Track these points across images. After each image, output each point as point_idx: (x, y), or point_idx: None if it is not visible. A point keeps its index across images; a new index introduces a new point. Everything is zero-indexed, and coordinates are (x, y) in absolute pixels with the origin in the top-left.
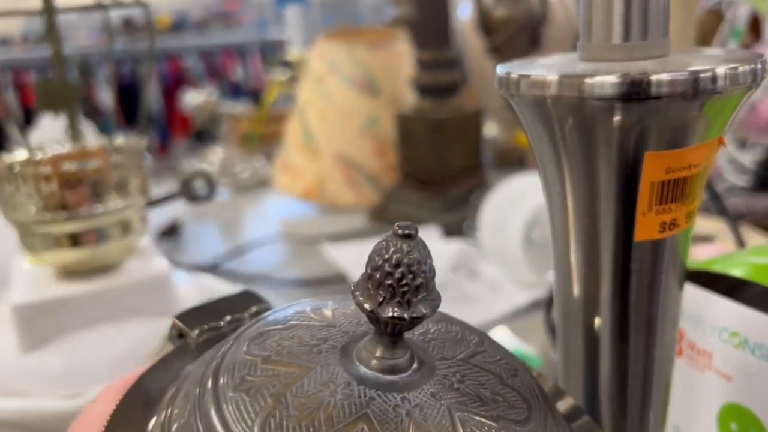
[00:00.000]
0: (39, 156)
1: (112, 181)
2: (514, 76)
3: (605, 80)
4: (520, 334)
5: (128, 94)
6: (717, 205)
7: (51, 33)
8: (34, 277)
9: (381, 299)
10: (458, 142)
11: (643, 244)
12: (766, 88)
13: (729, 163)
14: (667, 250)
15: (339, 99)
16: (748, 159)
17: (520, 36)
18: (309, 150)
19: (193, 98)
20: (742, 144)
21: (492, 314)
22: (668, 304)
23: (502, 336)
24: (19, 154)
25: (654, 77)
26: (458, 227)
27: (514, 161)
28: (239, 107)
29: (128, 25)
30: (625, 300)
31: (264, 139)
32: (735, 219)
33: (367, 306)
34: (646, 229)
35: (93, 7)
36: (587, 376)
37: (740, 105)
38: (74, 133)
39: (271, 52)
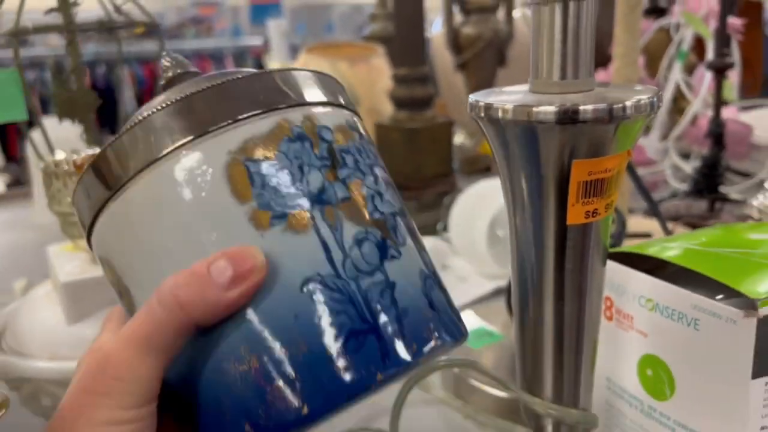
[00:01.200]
0: (74, 157)
1: None
2: (481, 103)
3: (547, 109)
4: (485, 316)
5: (103, 97)
6: (651, 207)
7: (72, 47)
8: (74, 261)
9: None
10: (431, 150)
11: (574, 227)
12: (706, 104)
13: (672, 170)
14: (592, 232)
15: None
16: (689, 167)
17: (487, 53)
18: None
19: None
20: (686, 155)
21: (461, 301)
22: (594, 273)
23: (469, 318)
24: (59, 154)
25: (581, 107)
26: (431, 227)
27: (480, 168)
28: None
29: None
30: (561, 269)
31: None
32: (664, 218)
33: None
34: (575, 215)
35: (106, 26)
36: (536, 327)
37: (643, 126)
38: (89, 138)
39: (245, 59)
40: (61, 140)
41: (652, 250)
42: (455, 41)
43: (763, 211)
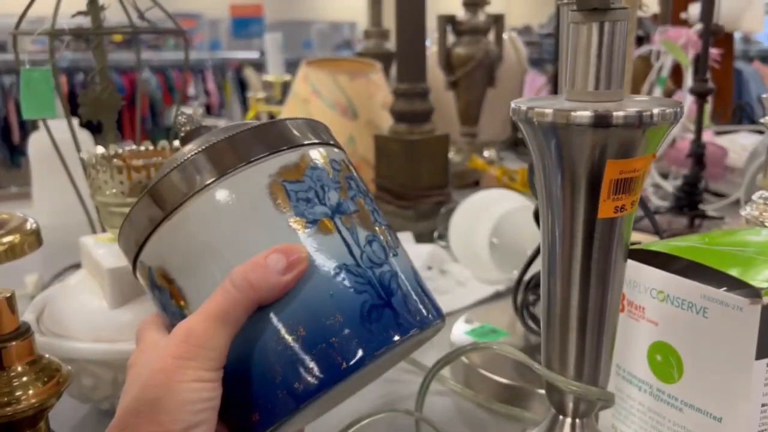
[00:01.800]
0: (113, 152)
1: None
2: (524, 107)
3: (583, 114)
4: (488, 316)
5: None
6: (647, 215)
7: (98, 51)
8: (112, 249)
9: None
10: (429, 161)
11: (603, 221)
12: (684, 128)
13: (654, 188)
14: (618, 226)
15: (322, 119)
16: (670, 185)
17: (477, 72)
18: None
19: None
20: (665, 175)
21: (463, 303)
22: (617, 264)
23: (479, 316)
24: (100, 149)
25: (614, 113)
26: (428, 234)
27: (469, 183)
28: (222, 121)
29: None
30: (589, 258)
31: None
32: (647, 231)
33: None
34: (605, 210)
35: (131, 31)
36: (563, 310)
37: (667, 133)
38: (111, 137)
39: (224, 72)
40: (65, 142)
41: (660, 247)
42: (447, 60)
43: (750, 221)
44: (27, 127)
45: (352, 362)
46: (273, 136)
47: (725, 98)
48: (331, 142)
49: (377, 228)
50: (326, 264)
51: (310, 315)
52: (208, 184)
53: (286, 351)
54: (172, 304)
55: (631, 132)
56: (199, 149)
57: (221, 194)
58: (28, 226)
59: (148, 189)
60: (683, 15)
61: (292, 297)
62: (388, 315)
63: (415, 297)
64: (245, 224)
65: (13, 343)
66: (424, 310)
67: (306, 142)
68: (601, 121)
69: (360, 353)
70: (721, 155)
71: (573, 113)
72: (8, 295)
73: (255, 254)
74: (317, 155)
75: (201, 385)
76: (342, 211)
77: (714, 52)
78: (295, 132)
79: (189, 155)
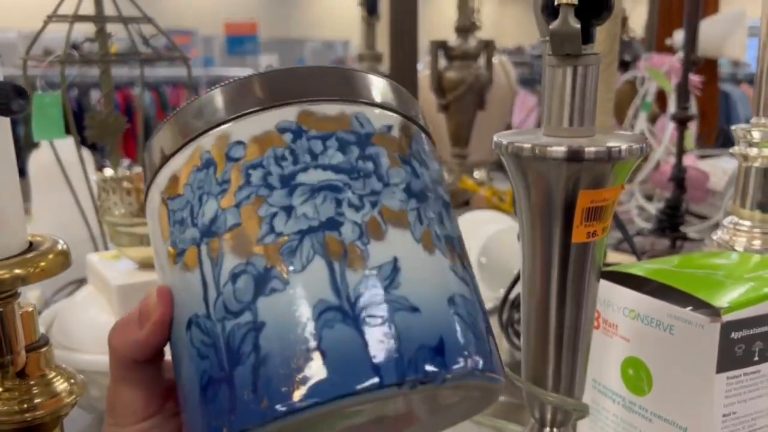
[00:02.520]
0: (121, 174)
1: None
2: (505, 142)
3: (558, 149)
4: None
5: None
6: (626, 237)
7: (105, 76)
8: (118, 267)
9: None
10: None
11: (577, 245)
12: (668, 152)
13: (637, 210)
14: (590, 250)
15: None
16: (654, 207)
17: (468, 96)
18: None
19: None
20: (649, 197)
21: None
22: (590, 285)
23: None
24: (108, 171)
25: (586, 149)
26: None
27: (460, 202)
28: None
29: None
30: (565, 279)
31: None
32: (638, 252)
33: None
34: (578, 235)
35: (137, 59)
36: (541, 327)
37: (634, 166)
38: (115, 158)
39: None
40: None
41: (634, 270)
42: (439, 84)
43: (720, 245)
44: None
45: None
46: (177, 129)
47: (710, 122)
48: (279, 101)
49: (267, 244)
50: (183, 313)
51: (178, 378)
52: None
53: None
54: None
55: (602, 165)
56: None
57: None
58: (59, 247)
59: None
60: (668, 41)
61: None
62: (224, 395)
63: (280, 364)
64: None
65: (33, 353)
66: (288, 386)
67: (201, 130)
68: (575, 156)
69: None
70: (702, 179)
71: (549, 148)
72: (30, 309)
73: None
74: (210, 144)
75: None
76: (212, 232)
77: (696, 79)
78: (203, 112)
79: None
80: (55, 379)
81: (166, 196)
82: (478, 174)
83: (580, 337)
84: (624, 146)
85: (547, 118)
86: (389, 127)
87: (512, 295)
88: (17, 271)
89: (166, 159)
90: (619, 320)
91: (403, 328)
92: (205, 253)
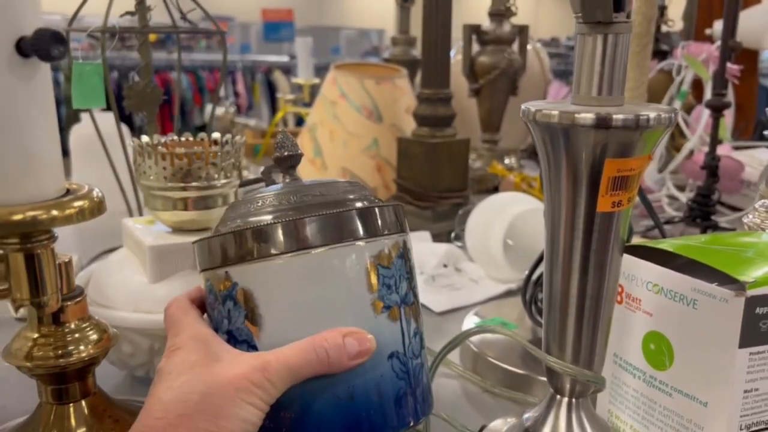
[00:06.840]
0: (157, 140)
1: (219, 165)
2: (533, 109)
3: (587, 116)
4: (499, 311)
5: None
6: (655, 222)
7: (144, 48)
8: (152, 231)
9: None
10: (449, 164)
11: (602, 214)
12: (702, 142)
13: (668, 200)
14: (615, 220)
15: (348, 122)
16: (684, 197)
17: (500, 81)
18: (317, 163)
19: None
20: (681, 187)
21: (475, 298)
22: (614, 256)
23: (490, 310)
24: (145, 138)
25: (614, 116)
26: (445, 235)
27: (489, 188)
28: (253, 121)
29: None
30: (588, 248)
31: (266, 151)
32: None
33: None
34: (604, 204)
35: (174, 31)
36: (562, 298)
37: (662, 136)
38: (152, 127)
39: (254, 74)
40: (105, 133)
41: (663, 245)
42: (471, 68)
43: (751, 228)
44: (62, 123)
45: None
46: (376, 220)
47: (747, 114)
48: (407, 230)
49: (420, 321)
50: (385, 348)
51: (358, 389)
52: (318, 246)
53: (334, 413)
54: (242, 323)
55: (629, 133)
56: (316, 214)
57: (328, 259)
58: (95, 193)
59: (261, 225)
60: (708, 31)
61: (349, 373)
62: (411, 402)
63: (428, 389)
64: (339, 291)
65: (69, 302)
66: (430, 402)
67: (396, 231)
68: (602, 123)
69: (383, 429)
70: (737, 169)
71: (577, 115)
72: (67, 260)
73: (334, 318)
74: (402, 245)
75: (255, 411)
76: (406, 302)
77: (734, 67)
78: (391, 219)
79: (305, 216)
80: (88, 329)
81: (376, 262)
82: (508, 160)
83: (602, 310)
84: (652, 114)
85: (576, 86)
86: None
87: (537, 273)
88: (54, 212)
89: (379, 235)
90: (643, 294)
91: None
92: (403, 314)
